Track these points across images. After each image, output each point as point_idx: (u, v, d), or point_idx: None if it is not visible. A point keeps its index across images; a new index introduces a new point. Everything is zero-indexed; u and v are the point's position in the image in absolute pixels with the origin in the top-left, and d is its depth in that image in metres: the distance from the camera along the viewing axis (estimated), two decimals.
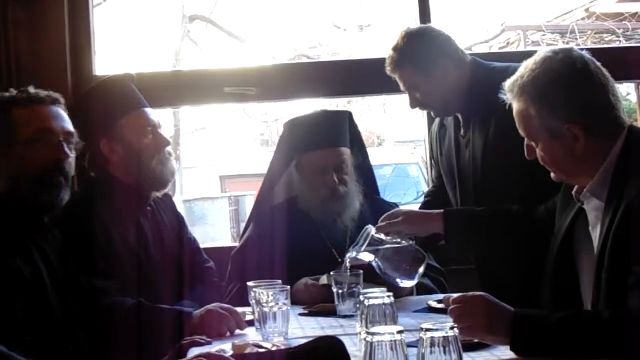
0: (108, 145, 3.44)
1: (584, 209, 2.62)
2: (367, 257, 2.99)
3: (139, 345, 2.94)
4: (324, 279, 3.26)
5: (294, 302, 3.12)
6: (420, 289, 3.45)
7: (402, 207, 3.27)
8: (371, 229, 3.01)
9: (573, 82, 2.50)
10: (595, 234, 2.53)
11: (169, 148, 3.54)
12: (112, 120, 3.45)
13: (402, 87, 3.67)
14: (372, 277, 3.10)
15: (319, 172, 3.68)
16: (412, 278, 3.00)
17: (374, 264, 2.97)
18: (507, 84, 2.62)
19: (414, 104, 3.66)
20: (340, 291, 3.00)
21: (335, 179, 3.66)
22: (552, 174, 2.65)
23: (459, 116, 3.63)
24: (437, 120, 3.91)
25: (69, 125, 2.96)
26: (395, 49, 3.58)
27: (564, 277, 2.66)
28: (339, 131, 3.78)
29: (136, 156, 3.42)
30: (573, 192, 2.64)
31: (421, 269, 2.99)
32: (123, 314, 3.00)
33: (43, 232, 2.88)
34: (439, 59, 3.52)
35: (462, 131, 3.62)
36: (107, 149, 3.44)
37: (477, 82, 3.48)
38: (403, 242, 3.04)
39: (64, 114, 2.98)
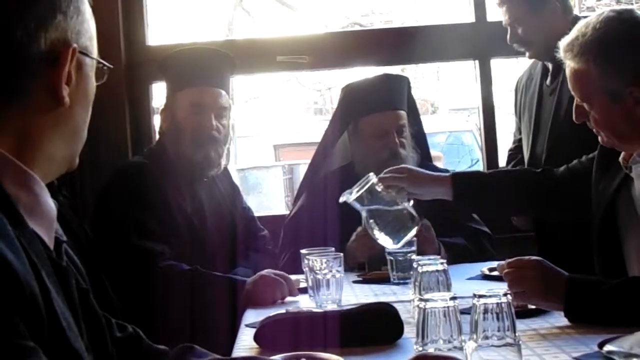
0: (163, 114, 3.49)
1: (629, 176, 2.56)
2: (358, 205, 2.87)
3: (191, 310, 2.97)
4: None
5: (349, 261, 3.13)
6: (452, 249, 3.45)
7: (408, 165, 3.13)
8: (373, 177, 2.89)
9: (639, 43, 2.43)
10: None
11: (216, 133, 3.45)
12: (171, 91, 3.49)
13: (504, 21, 3.71)
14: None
15: (380, 135, 3.65)
16: (396, 241, 2.85)
17: (363, 213, 2.86)
18: (564, 42, 2.54)
19: (513, 39, 3.73)
20: (393, 259, 3.00)
21: (396, 140, 3.64)
22: (600, 139, 2.56)
23: (549, 65, 3.65)
24: (525, 72, 3.94)
25: None
26: None
27: (609, 246, 2.62)
28: (400, 95, 3.76)
29: (180, 133, 3.44)
30: (620, 159, 2.58)
31: (408, 236, 2.85)
32: (177, 278, 3.03)
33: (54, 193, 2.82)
34: (552, 1, 3.58)
35: (548, 80, 3.64)
36: (162, 118, 3.48)
37: None
38: (399, 201, 2.91)
39: None
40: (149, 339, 1.82)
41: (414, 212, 2.86)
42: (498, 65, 4.73)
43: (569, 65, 2.53)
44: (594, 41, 2.45)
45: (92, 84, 1.51)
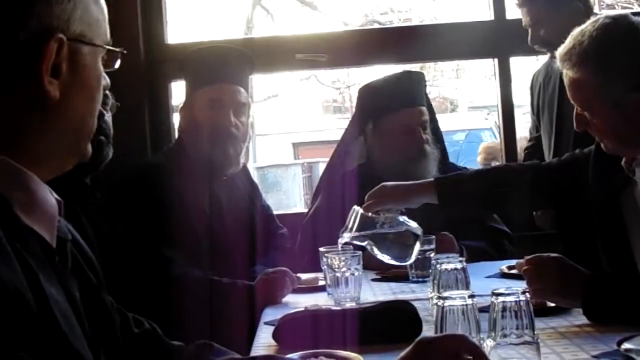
0: (183, 111, 3.50)
1: (630, 177, 2.55)
2: (360, 240, 2.79)
3: (209, 314, 2.97)
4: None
5: (367, 267, 3.13)
6: (471, 251, 3.42)
7: (387, 183, 3.09)
8: (359, 209, 2.81)
9: (638, 49, 2.41)
10: None
11: (235, 129, 3.45)
12: (191, 89, 3.50)
13: (525, 22, 3.72)
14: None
15: (406, 132, 3.64)
16: (408, 257, 2.80)
17: (367, 247, 2.79)
18: (562, 52, 2.52)
19: (535, 40, 3.75)
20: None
21: (423, 136, 3.65)
22: (604, 146, 2.54)
23: None
24: (540, 69, 3.93)
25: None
26: None
27: (616, 247, 2.60)
28: (421, 91, 3.76)
29: (201, 130, 3.44)
30: (622, 163, 2.55)
31: (416, 247, 2.78)
32: (191, 285, 3.04)
33: (85, 194, 2.84)
34: (574, 1, 3.56)
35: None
36: (181, 115, 3.49)
37: None
38: (396, 218, 2.82)
39: None
40: (166, 336, 1.82)
41: (413, 225, 2.79)
42: (517, 63, 4.72)
43: (567, 74, 2.51)
44: (591, 49, 2.43)
45: (95, 72, 1.42)
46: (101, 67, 1.44)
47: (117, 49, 1.48)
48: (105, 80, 1.47)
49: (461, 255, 3.13)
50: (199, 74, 3.49)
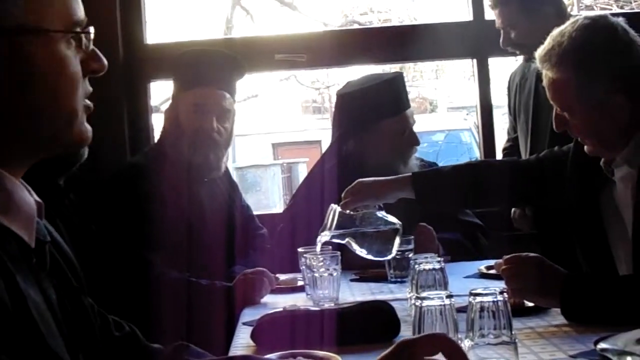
0: (167, 113, 3.48)
1: (608, 178, 2.56)
2: (339, 238, 2.79)
3: (187, 315, 2.96)
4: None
5: (349, 266, 3.12)
6: (448, 246, 3.43)
7: (363, 179, 3.08)
8: (336, 207, 2.79)
9: (618, 50, 2.42)
10: (627, 203, 2.49)
11: (217, 135, 3.43)
12: (177, 90, 3.48)
13: (497, 24, 3.75)
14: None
15: (401, 133, 3.68)
16: (388, 252, 2.80)
17: (347, 244, 2.79)
18: (541, 52, 2.51)
19: (506, 42, 3.77)
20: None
21: (416, 136, 3.71)
22: (586, 148, 2.54)
23: None
24: (517, 70, 3.95)
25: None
26: None
27: (596, 247, 2.62)
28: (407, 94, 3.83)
29: (183, 134, 3.42)
30: (601, 164, 2.56)
31: (396, 242, 2.78)
32: (168, 287, 3.03)
33: (59, 195, 2.78)
34: (546, 6, 3.67)
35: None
36: (165, 117, 3.48)
37: None
38: (374, 213, 2.83)
39: None
40: (146, 338, 1.82)
41: (392, 220, 2.79)
42: (496, 63, 4.74)
43: (547, 75, 2.51)
44: (571, 50, 2.43)
45: (54, 59, 1.34)
46: (65, 51, 1.36)
47: (76, 31, 1.39)
48: (75, 64, 1.39)
49: (437, 251, 3.17)
50: (186, 77, 3.47)
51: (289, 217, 3.77)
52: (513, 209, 3.90)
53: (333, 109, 4.00)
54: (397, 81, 3.76)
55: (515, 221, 4.12)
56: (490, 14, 4.38)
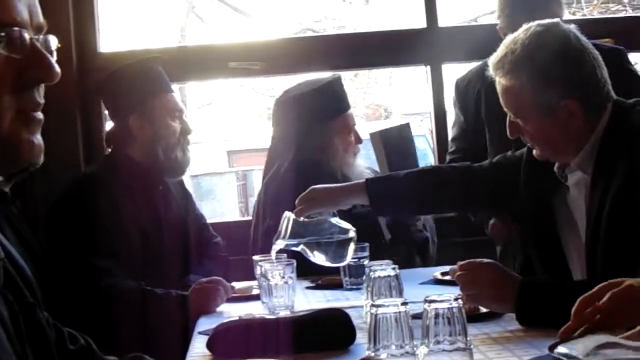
0: (139, 121, 3.44)
1: (562, 183, 2.59)
2: (294, 246, 2.77)
3: (142, 324, 2.95)
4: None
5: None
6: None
7: (316, 186, 3.05)
8: (290, 215, 2.79)
9: (570, 57, 2.43)
10: (580, 208, 2.52)
11: (190, 136, 3.59)
12: (145, 97, 3.44)
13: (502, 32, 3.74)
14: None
15: (348, 133, 3.78)
16: (343, 258, 2.80)
17: (302, 252, 2.77)
18: (494, 60, 2.52)
19: None
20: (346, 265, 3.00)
21: (359, 135, 3.82)
22: (535, 152, 2.56)
23: None
24: (462, 75, 3.94)
25: None
26: None
27: (551, 251, 2.65)
28: None
29: (161, 139, 3.44)
30: (555, 169, 2.58)
31: (351, 248, 2.77)
32: (123, 295, 3.02)
33: (5, 204, 2.71)
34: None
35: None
36: (136, 125, 3.43)
37: None
38: (328, 220, 2.83)
39: None
40: (101, 349, 1.80)
41: (346, 226, 2.79)
42: (450, 70, 4.76)
43: (500, 82, 2.51)
44: (524, 57, 2.44)
45: None
46: None
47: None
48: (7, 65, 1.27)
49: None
50: (156, 83, 3.50)
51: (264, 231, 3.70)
52: (491, 221, 3.83)
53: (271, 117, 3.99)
54: (335, 84, 3.81)
55: (490, 233, 4.03)
56: (443, 22, 4.41)
